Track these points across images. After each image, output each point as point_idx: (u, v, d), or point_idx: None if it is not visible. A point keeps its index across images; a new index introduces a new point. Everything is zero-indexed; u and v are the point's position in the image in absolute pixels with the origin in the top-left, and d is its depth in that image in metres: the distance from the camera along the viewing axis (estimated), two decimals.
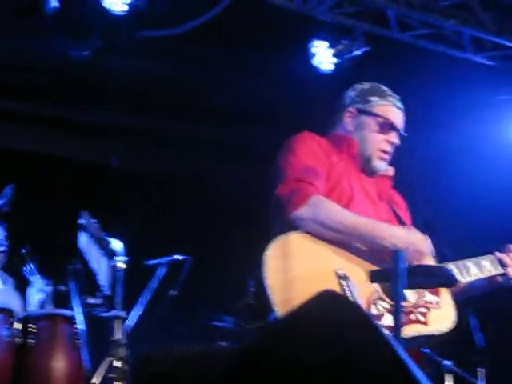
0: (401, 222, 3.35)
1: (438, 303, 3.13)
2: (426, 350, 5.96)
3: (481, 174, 6.47)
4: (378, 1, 6.13)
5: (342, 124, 3.42)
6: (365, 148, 3.38)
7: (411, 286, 2.57)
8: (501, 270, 3.30)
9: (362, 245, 3.06)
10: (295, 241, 3.01)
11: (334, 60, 6.27)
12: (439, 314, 3.10)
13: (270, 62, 6.61)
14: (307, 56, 6.42)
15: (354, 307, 1.22)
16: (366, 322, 1.22)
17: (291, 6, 5.93)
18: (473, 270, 3.27)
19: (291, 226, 3.05)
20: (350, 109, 3.40)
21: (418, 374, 1.15)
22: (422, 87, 6.45)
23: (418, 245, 3.09)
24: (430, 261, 3.19)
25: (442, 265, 3.21)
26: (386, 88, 3.45)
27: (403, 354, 1.32)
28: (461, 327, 5.83)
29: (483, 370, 5.91)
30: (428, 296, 3.12)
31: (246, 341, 4.26)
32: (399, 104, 3.42)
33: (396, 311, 2.24)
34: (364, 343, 1.18)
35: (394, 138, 3.38)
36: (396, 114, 3.39)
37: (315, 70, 6.45)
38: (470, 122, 6.53)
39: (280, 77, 6.60)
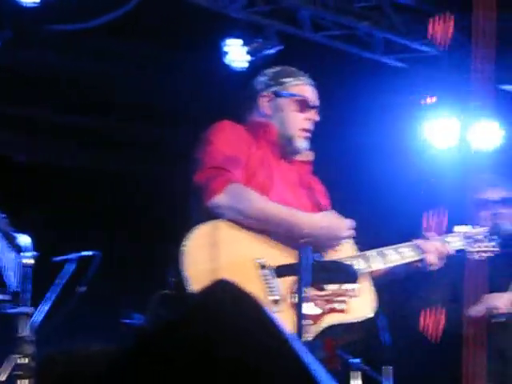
0: (321, 208, 3.38)
1: (357, 290, 3.15)
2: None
3: (395, 170, 6.58)
4: (292, 0, 6.18)
5: (259, 110, 3.42)
6: (285, 129, 3.39)
7: (316, 282, 2.61)
8: (420, 256, 3.38)
9: (280, 232, 3.06)
10: (214, 230, 3.00)
11: (248, 58, 6.27)
12: (359, 302, 3.15)
13: (184, 59, 6.58)
14: (220, 54, 6.40)
15: (248, 299, 1.22)
16: (259, 313, 1.22)
17: (204, 3, 5.91)
18: (393, 257, 3.33)
19: (209, 214, 3.04)
20: (265, 93, 3.41)
21: (315, 368, 1.16)
22: (336, 87, 6.51)
23: (334, 230, 3.13)
24: (348, 246, 3.24)
25: (362, 253, 3.28)
26: (294, 68, 3.48)
27: (300, 347, 1.33)
28: (369, 325, 5.91)
29: (391, 368, 6.02)
30: (347, 284, 3.14)
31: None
32: (311, 81, 3.46)
33: (298, 306, 2.25)
34: (255, 335, 1.19)
35: (313, 115, 3.41)
36: (311, 91, 3.43)
37: (228, 68, 6.44)
38: (382, 121, 6.63)
39: (194, 74, 6.58)
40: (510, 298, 4.26)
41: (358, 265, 3.22)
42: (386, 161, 6.64)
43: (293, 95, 3.38)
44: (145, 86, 6.83)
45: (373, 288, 3.23)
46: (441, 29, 6.00)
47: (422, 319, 4.42)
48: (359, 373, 6.23)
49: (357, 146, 6.82)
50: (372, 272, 3.31)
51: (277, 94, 3.39)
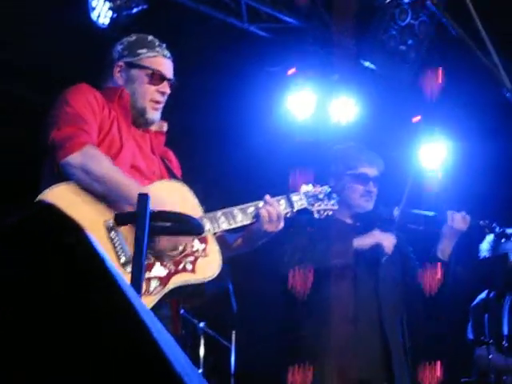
0: (172, 175, 3.44)
1: (204, 250, 3.20)
2: (182, 312, 6.06)
3: (256, 141, 6.62)
4: None
5: (113, 78, 3.43)
6: (137, 100, 3.39)
7: (156, 232, 2.58)
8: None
9: (125, 203, 3.02)
10: (63, 193, 2.97)
11: (110, 14, 6.14)
12: (206, 261, 3.19)
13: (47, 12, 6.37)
14: (88, 9, 6.24)
15: (74, 226, 1.17)
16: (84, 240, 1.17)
17: None
18: (239, 217, 3.36)
19: (60, 173, 3.02)
20: (120, 63, 3.42)
21: (144, 313, 1.12)
22: (199, 52, 6.48)
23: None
24: (192, 207, 3.25)
25: (208, 213, 3.29)
26: (153, 38, 3.47)
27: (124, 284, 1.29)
28: (218, 292, 5.94)
29: (234, 332, 6.13)
30: (196, 244, 3.19)
31: None
32: (167, 53, 3.47)
33: (136, 254, 2.21)
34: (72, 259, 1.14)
35: (164, 87, 3.42)
36: (165, 64, 3.44)
37: (94, 23, 6.29)
38: (244, 90, 6.64)
39: (59, 28, 6.39)
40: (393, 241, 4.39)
41: (206, 225, 3.23)
42: (249, 130, 6.68)
43: (145, 67, 3.39)
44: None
45: (218, 248, 3.26)
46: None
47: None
48: (203, 336, 6.33)
49: (218, 115, 6.82)
50: (217, 233, 3.35)
51: (129, 65, 3.40)
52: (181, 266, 3.09)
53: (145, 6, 6.10)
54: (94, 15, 6.24)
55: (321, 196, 3.74)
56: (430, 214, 4.58)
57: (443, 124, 6.65)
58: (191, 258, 3.14)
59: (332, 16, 6.02)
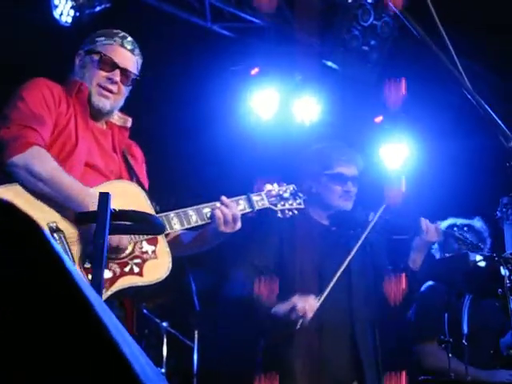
0: (133, 174, 3.39)
1: (154, 252, 3.15)
2: (145, 311, 6.05)
3: (220, 138, 6.62)
4: None
5: (74, 68, 3.42)
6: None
7: (115, 231, 2.55)
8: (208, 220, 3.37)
9: (68, 205, 2.99)
10: (8, 192, 2.94)
11: (73, 13, 6.11)
12: (155, 264, 3.13)
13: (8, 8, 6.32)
14: (50, 7, 6.21)
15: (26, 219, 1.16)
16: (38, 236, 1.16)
17: None
18: (193, 218, 3.31)
19: (4, 172, 2.99)
20: (80, 51, 3.43)
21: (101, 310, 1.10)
22: (162, 51, 6.46)
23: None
24: (145, 207, 3.18)
25: (162, 214, 3.24)
26: (117, 30, 3.45)
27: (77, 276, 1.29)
28: (182, 291, 5.92)
29: (197, 331, 6.14)
30: (145, 246, 3.13)
31: None
32: (128, 45, 3.42)
33: (96, 251, 2.20)
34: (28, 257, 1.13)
35: (114, 75, 3.37)
36: (121, 53, 3.39)
37: (56, 21, 6.25)
38: (208, 90, 6.64)
39: (22, 25, 6.34)
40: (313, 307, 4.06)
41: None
42: (213, 128, 6.67)
43: (98, 53, 3.37)
44: None
45: (168, 250, 3.21)
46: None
47: None
48: (166, 335, 6.32)
49: (182, 114, 6.81)
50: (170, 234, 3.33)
51: (87, 52, 3.41)
52: (127, 269, 3.04)
53: (108, 5, 6.07)
54: (56, 13, 6.20)
55: (286, 195, 3.69)
56: (405, 221, 4.47)
57: (405, 124, 6.71)
58: (139, 261, 3.09)
59: (295, 16, 6.04)
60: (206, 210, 3.35)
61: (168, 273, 3.15)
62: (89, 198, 2.95)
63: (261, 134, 6.60)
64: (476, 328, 4.53)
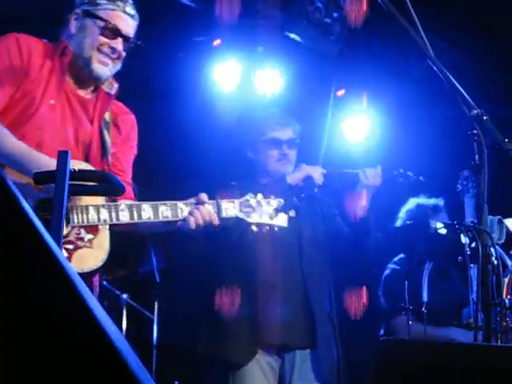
0: (104, 149, 3.32)
1: (90, 241, 3.01)
2: (105, 283, 6.01)
3: (183, 111, 6.56)
4: None
5: (68, 27, 3.29)
6: (83, 50, 3.25)
7: (75, 192, 2.51)
8: (179, 218, 3.27)
9: (19, 170, 2.92)
10: None
11: None
12: (88, 253, 3.00)
13: None
14: None
15: None
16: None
17: None
18: (146, 214, 3.18)
19: None
20: (77, 10, 3.27)
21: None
22: None
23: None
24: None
25: (113, 203, 3.15)
26: None
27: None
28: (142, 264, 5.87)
29: (156, 303, 6.12)
30: (82, 232, 3.00)
31: None
32: (130, 10, 3.33)
33: (55, 214, 2.14)
34: None
35: (117, 44, 3.27)
36: (123, 20, 3.29)
37: None
38: (171, 60, 6.57)
39: None
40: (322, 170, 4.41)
41: (102, 215, 3.06)
42: (175, 98, 6.60)
43: (100, 18, 3.24)
44: None
45: (107, 243, 3.09)
46: None
47: None
48: (125, 308, 6.29)
49: (143, 83, 6.73)
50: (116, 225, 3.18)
51: (86, 13, 3.27)
52: None
53: None
54: None
55: (267, 209, 3.46)
56: (354, 171, 4.56)
57: (367, 97, 6.70)
58: (70, 246, 2.96)
59: None
60: (163, 207, 3.22)
61: (98, 267, 3.02)
62: (36, 162, 2.88)
63: (222, 106, 6.56)
64: (436, 296, 4.58)
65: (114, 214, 3.08)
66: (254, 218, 3.44)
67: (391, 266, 5.13)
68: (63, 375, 0.98)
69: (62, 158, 2.18)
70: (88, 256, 3.01)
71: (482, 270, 3.03)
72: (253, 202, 3.46)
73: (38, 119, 3.10)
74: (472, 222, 3.94)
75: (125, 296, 6.36)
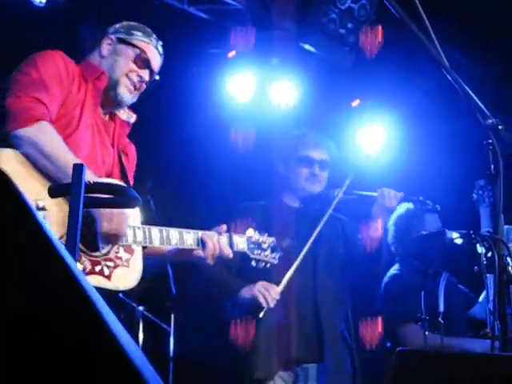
0: (123, 173, 3.38)
1: (127, 261, 3.10)
2: (121, 295, 6.02)
3: (198, 123, 6.58)
4: None
5: (100, 49, 3.38)
6: (113, 72, 3.34)
7: (91, 205, 2.52)
8: (198, 247, 3.38)
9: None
10: (5, 158, 2.88)
11: None
12: (125, 273, 3.08)
13: None
14: None
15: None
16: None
17: None
18: (174, 240, 3.27)
19: (7, 140, 2.94)
20: (111, 36, 3.39)
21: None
22: None
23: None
24: (133, 217, 3.18)
25: (146, 226, 3.21)
26: (149, 29, 3.50)
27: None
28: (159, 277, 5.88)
29: (173, 315, 6.13)
30: (121, 251, 3.09)
31: None
32: (160, 49, 3.47)
33: (70, 228, 2.15)
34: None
35: (145, 74, 3.38)
36: (154, 55, 3.43)
37: (30, 3, 6.16)
38: (186, 72, 6.59)
39: None
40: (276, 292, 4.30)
41: (137, 236, 3.15)
42: (190, 111, 6.62)
43: (135, 46, 3.37)
44: None
45: (141, 263, 3.17)
46: None
47: None
48: (142, 320, 6.30)
49: (158, 96, 6.76)
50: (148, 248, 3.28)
51: (120, 40, 3.39)
52: (98, 268, 2.98)
53: None
54: None
55: (264, 246, 3.73)
56: (374, 194, 4.57)
57: (382, 108, 6.69)
58: (111, 264, 3.04)
59: None
60: (188, 236, 3.34)
61: (133, 286, 3.12)
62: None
63: (237, 118, 6.57)
64: (450, 306, 4.57)
65: (147, 236, 3.17)
66: (255, 254, 3.69)
67: (391, 272, 5.10)
68: None
69: (77, 170, 2.19)
70: (125, 275, 3.09)
71: (498, 280, 3.03)
72: (254, 238, 3.70)
73: (77, 138, 3.14)
74: (488, 231, 3.92)
75: (141, 308, 6.37)
